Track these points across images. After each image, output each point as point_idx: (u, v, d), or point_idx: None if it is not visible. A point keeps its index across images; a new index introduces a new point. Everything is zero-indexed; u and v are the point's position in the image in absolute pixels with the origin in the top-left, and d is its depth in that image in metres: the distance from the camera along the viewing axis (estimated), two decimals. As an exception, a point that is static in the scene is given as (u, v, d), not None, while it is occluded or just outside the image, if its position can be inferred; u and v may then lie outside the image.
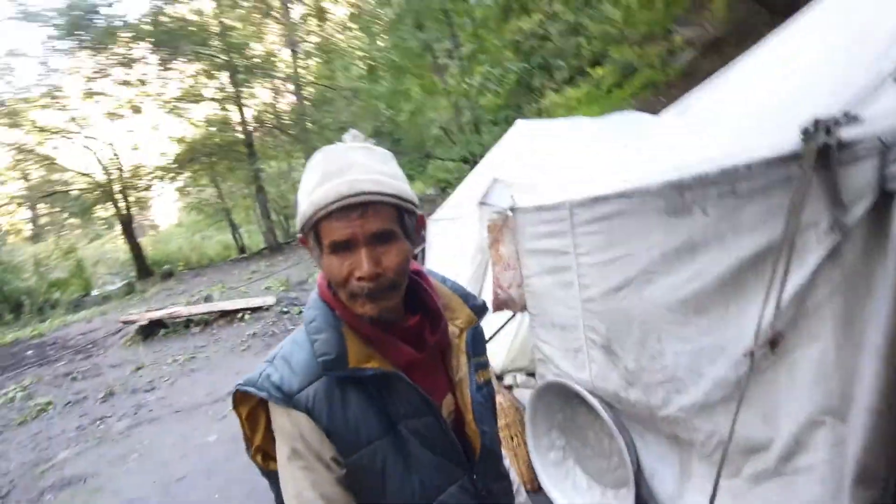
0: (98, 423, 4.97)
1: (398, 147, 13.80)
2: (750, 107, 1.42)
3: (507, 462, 1.06)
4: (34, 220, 22.42)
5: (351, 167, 0.73)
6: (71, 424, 5.05)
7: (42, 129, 16.14)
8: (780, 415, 1.20)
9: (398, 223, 0.75)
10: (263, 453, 0.84)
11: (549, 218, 1.98)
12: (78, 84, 15.59)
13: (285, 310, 7.99)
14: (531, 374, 3.79)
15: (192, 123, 17.04)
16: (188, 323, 8.26)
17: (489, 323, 3.60)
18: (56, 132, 16.22)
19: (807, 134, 0.97)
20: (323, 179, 0.72)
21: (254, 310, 8.25)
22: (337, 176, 0.72)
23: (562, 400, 2.41)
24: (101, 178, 16.82)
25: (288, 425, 0.76)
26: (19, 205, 19.32)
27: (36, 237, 22.21)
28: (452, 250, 4.17)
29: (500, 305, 2.71)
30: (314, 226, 0.74)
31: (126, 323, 8.86)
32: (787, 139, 1.01)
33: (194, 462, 3.71)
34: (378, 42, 14.58)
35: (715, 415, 1.34)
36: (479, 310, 0.95)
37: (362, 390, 0.77)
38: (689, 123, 1.72)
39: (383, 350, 0.79)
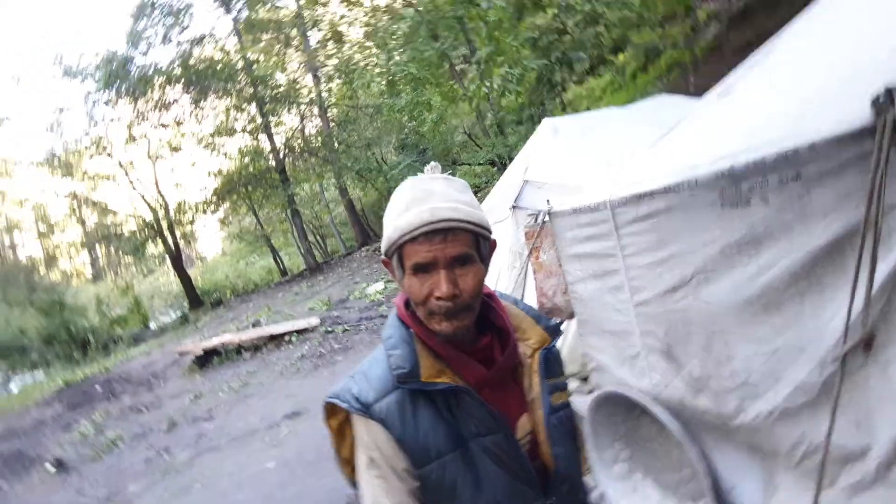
0: (163, 454, 5.16)
1: (425, 157, 13.87)
2: (804, 82, 1.29)
3: (593, 490, 1.03)
4: (93, 262, 23.85)
5: (432, 195, 0.81)
6: (139, 457, 5.26)
7: (93, 177, 17.18)
8: (876, 419, 1.06)
9: (475, 248, 0.83)
10: (351, 466, 0.90)
11: (589, 220, 1.88)
12: (121, 131, 16.50)
13: (330, 329, 8.10)
14: (584, 379, 3.66)
15: (227, 157, 17.71)
16: (239, 349, 8.50)
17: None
18: (105, 178, 17.22)
19: (878, 104, 0.86)
20: (408, 207, 0.81)
21: (300, 332, 8.42)
22: (420, 203, 0.80)
23: (623, 410, 2.29)
24: (149, 217, 17.71)
25: (365, 435, 0.83)
26: (79, 249, 20.61)
27: (96, 278, 23.62)
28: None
29: (546, 314, 2.62)
30: (398, 249, 0.82)
31: (182, 354, 9.22)
32: (854, 113, 0.90)
33: (252, 491, 3.77)
34: (395, 56, 14.76)
35: (800, 422, 1.21)
36: (552, 330, 0.99)
37: (433, 405, 0.83)
38: (735, 105, 1.59)
39: (455, 366, 0.85)
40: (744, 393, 1.49)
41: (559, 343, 2.99)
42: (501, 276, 3.40)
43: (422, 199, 0.81)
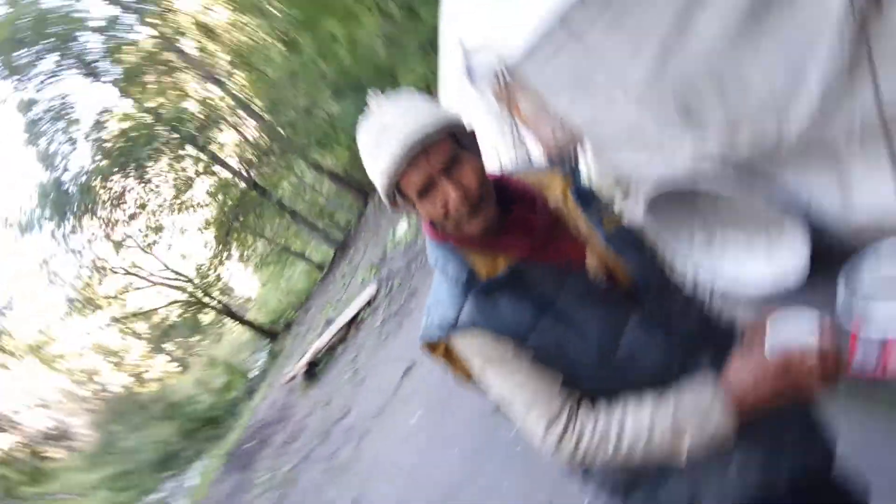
0: (331, 460, 5.73)
1: (363, 90, 13.16)
2: None
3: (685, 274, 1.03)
4: (171, 358, 25.22)
5: (388, 128, 0.80)
6: (316, 474, 5.87)
7: (116, 296, 17.62)
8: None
9: (456, 144, 0.83)
10: (473, 381, 0.97)
11: (550, 47, 1.74)
12: (104, 246, 16.55)
13: (388, 288, 8.35)
14: (626, 195, 3.63)
15: (202, 206, 17.56)
16: (330, 349, 9.01)
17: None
18: (125, 291, 17.62)
19: None
20: (376, 151, 0.82)
21: (367, 305, 8.75)
22: (383, 142, 0.80)
23: (676, 198, 2.27)
24: (182, 297, 18.24)
25: (466, 348, 0.88)
26: (151, 356, 21.79)
27: (183, 368, 25.11)
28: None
29: (558, 158, 2.55)
30: (394, 190, 0.84)
31: (290, 380, 9.91)
32: None
33: (412, 445, 4.17)
34: (274, 12, 13.55)
35: (843, 98, 1.14)
36: (570, 172, 0.98)
37: (505, 291, 0.85)
38: None
39: (504, 251, 0.87)
40: (777, 105, 1.41)
41: (584, 179, 2.91)
42: (501, 153, 3.30)
43: (382, 138, 0.81)
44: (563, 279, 0.87)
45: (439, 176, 0.81)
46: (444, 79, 4.66)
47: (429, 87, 11.58)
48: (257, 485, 7.61)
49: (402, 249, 9.52)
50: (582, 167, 2.93)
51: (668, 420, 0.79)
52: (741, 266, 2.30)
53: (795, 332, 0.76)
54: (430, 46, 10.85)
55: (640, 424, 0.80)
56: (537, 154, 3.65)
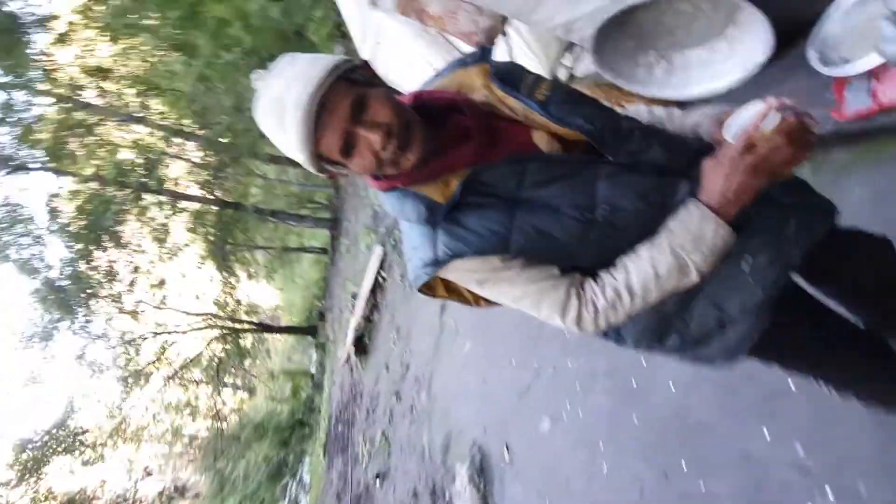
0: (413, 411, 6.05)
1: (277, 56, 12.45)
2: None
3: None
4: (234, 388, 26.28)
5: (283, 101, 0.75)
6: (405, 428, 6.23)
7: (158, 358, 18.06)
8: None
9: (356, 86, 0.79)
10: (483, 300, 0.99)
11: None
12: (120, 320, 16.75)
13: (394, 244, 8.36)
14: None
15: (188, 245, 17.42)
16: (367, 319, 9.24)
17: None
18: (164, 351, 18.03)
19: None
20: (282, 128, 0.77)
21: (381, 266, 8.83)
22: (285, 117, 0.75)
23: (614, 35, 2.13)
24: (214, 333, 18.59)
25: (458, 278, 0.88)
26: (216, 395, 22.72)
27: (250, 392, 26.22)
28: (409, 70, 3.77)
29: (488, 41, 2.38)
30: (317, 160, 0.80)
31: (346, 361, 10.29)
32: None
33: (475, 373, 4.36)
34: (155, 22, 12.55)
35: None
36: (481, 57, 0.92)
37: (468, 209, 0.82)
38: None
39: (451, 170, 0.83)
40: None
41: (516, 55, 2.71)
42: (434, 61, 3.11)
43: (279, 113, 0.76)
44: (520, 169, 0.83)
45: (352, 126, 0.77)
46: (348, 19, 4.32)
47: (340, 30, 10.85)
48: (361, 456, 8.15)
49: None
50: (511, 44, 2.74)
51: (667, 255, 0.79)
52: (708, 72, 2.18)
53: (750, 115, 0.75)
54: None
55: (643, 271, 0.81)
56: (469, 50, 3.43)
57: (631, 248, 0.84)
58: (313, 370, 20.51)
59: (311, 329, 19.42)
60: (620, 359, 2.54)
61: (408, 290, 7.31)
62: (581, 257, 0.86)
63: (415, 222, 0.85)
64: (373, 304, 9.13)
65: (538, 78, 0.91)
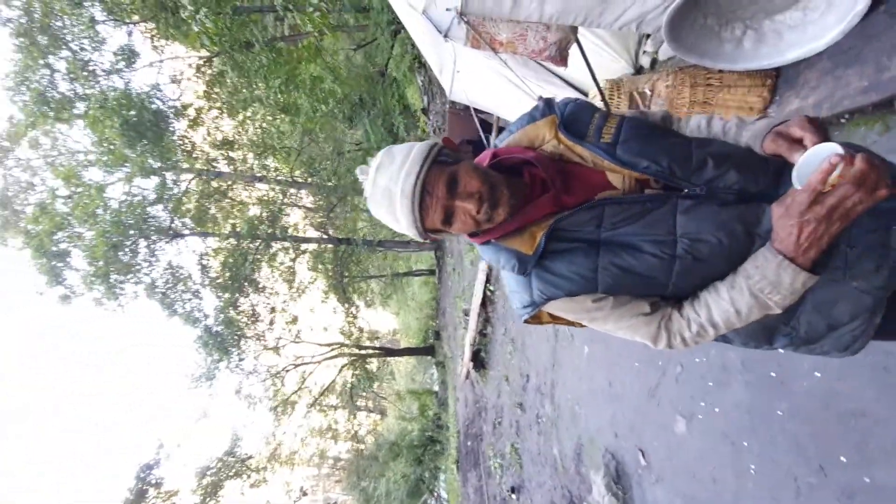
0: (540, 421, 6.04)
1: (367, 108, 13.51)
2: None
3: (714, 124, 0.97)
4: (367, 411, 28.00)
5: (393, 191, 0.87)
6: (534, 437, 6.23)
7: (300, 388, 19.99)
8: None
9: (445, 168, 0.89)
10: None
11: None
12: (264, 356, 18.88)
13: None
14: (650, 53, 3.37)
15: (311, 282, 19.21)
16: (482, 334, 9.41)
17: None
18: (302, 384, 19.92)
19: None
20: (394, 217, 0.89)
21: (487, 280, 8.99)
22: (396, 208, 0.88)
23: (690, 12, 2.08)
24: (343, 361, 20.13)
25: (560, 311, 0.95)
26: (353, 419, 24.38)
27: (382, 413, 27.77)
28: (488, 89, 3.97)
29: (563, 56, 2.45)
30: (427, 233, 0.92)
31: (466, 377, 10.54)
32: None
33: (596, 372, 4.26)
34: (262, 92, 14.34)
35: None
36: (550, 105, 0.99)
37: (555, 256, 0.90)
38: None
39: (534, 222, 0.92)
40: None
41: (594, 57, 2.77)
42: (521, 91, 3.24)
43: (390, 205, 0.88)
44: (598, 213, 0.88)
45: (449, 201, 0.88)
46: (425, 51, 4.63)
47: (418, 62, 11.45)
48: (494, 470, 8.25)
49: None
50: (586, 49, 2.76)
51: (747, 296, 0.82)
52: (804, 32, 2.03)
53: (817, 161, 0.71)
54: (393, 23, 10.74)
55: (724, 310, 0.84)
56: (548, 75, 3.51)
57: (712, 283, 0.86)
58: (436, 388, 21.22)
59: (428, 349, 20.18)
60: (753, 350, 2.38)
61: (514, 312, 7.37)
62: (668, 288, 0.89)
63: (509, 272, 0.95)
64: (485, 318, 9.29)
65: (606, 116, 0.95)
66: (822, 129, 0.76)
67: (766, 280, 0.79)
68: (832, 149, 0.70)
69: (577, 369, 4.80)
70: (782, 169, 0.82)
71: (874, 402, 1.77)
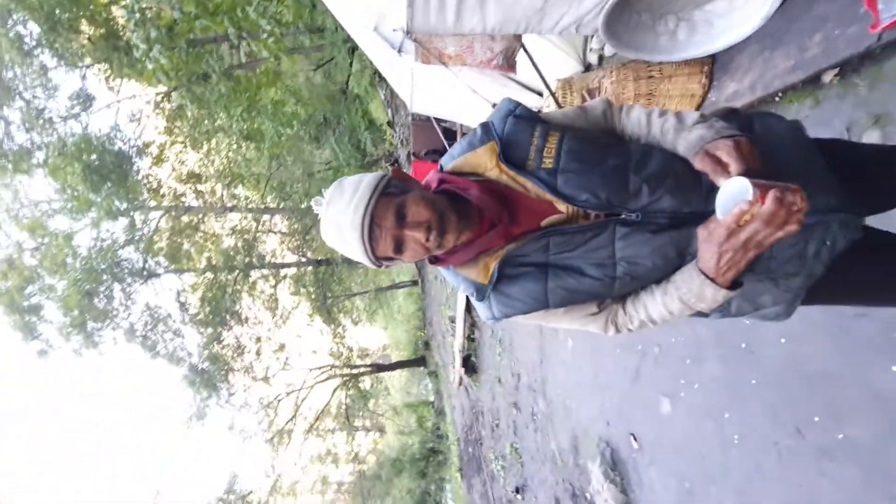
0: (536, 418, 6.09)
1: (331, 125, 13.53)
2: None
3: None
4: (366, 431, 27.70)
5: (343, 225, 0.92)
6: (530, 435, 6.27)
7: (294, 416, 19.66)
8: None
9: (393, 199, 0.93)
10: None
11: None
12: (253, 390, 18.55)
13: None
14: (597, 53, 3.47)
15: (294, 307, 18.98)
16: (469, 339, 9.45)
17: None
18: (294, 418, 19.61)
19: None
20: (346, 247, 0.95)
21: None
22: (347, 239, 0.93)
23: (624, 11, 2.18)
24: (336, 382, 19.90)
25: (520, 320, 1.03)
26: (351, 441, 24.08)
27: (380, 430, 27.49)
28: (445, 98, 4.03)
29: (510, 64, 2.53)
30: (380, 260, 0.97)
31: (459, 384, 10.54)
32: None
33: (582, 364, 4.34)
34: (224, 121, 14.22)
35: None
36: (485, 134, 0.99)
37: (509, 279, 0.96)
38: None
39: (487, 252, 0.98)
40: None
41: (543, 59, 2.85)
42: (479, 96, 3.31)
43: (342, 236, 0.94)
44: (545, 242, 0.94)
45: (398, 231, 0.92)
46: (382, 68, 4.70)
47: (378, 76, 11.53)
48: (497, 473, 8.26)
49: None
50: (533, 53, 2.85)
51: (677, 303, 0.91)
52: (733, 18, 2.14)
53: (737, 194, 0.75)
54: (349, 41, 10.80)
55: (658, 311, 0.94)
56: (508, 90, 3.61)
57: (650, 279, 0.96)
58: (432, 398, 21.13)
59: (419, 360, 20.11)
60: (722, 323, 2.48)
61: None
62: (610, 298, 1.00)
63: (470, 296, 1.03)
64: (471, 323, 9.34)
65: (546, 131, 0.96)
66: (748, 153, 0.80)
67: (692, 293, 0.87)
68: (746, 188, 0.73)
69: (565, 363, 4.88)
70: (713, 186, 0.85)
71: (837, 362, 1.86)
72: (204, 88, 11.44)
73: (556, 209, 0.94)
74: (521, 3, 2.06)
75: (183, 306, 17.01)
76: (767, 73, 2.04)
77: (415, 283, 21.08)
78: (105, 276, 14.39)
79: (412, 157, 8.28)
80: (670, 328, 2.98)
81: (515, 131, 0.97)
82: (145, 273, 15.63)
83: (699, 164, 0.84)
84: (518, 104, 1.00)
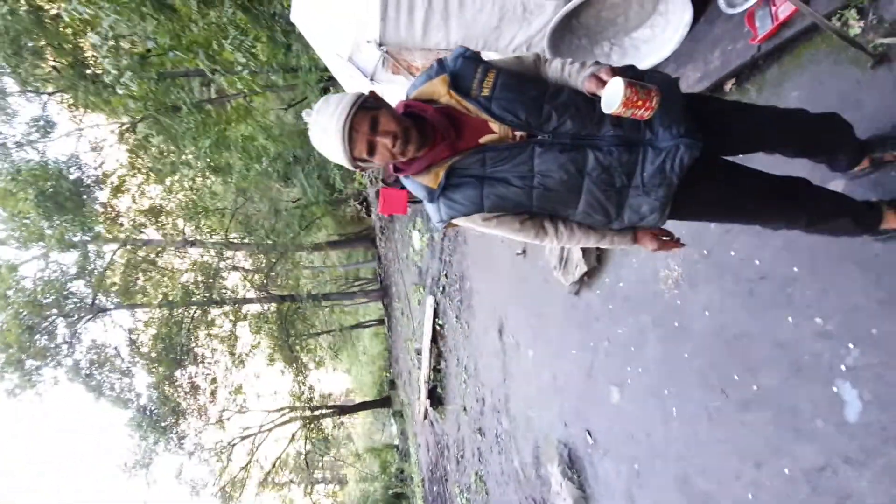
0: (500, 439, 6.15)
1: (302, 155, 13.79)
2: None
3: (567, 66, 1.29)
4: (326, 480, 26.33)
5: (329, 128, 1.14)
6: (496, 459, 6.31)
7: (249, 463, 18.60)
8: None
9: (368, 112, 1.16)
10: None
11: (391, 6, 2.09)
12: (207, 428, 17.56)
13: (442, 289, 8.78)
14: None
15: (255, 347, 18.38)
16: (435, 370, 9.48)
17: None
18: (253, 454, 18.60)
19: None
20: (330, 148, 1.17)
21: (435, 315, 9.18)
22: (331, 141, 1.15)
23: (566, 36, 2.56)
24: (295, 426, 19.10)
25: (463, 224, 1.32)
26: (312, 489, 22.82)
27: (341, 482, 26.17)
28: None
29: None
30: (356, 161, 1.20)
31: (425, 417, 10.43)
32: None
33: (542, 371, 4.55)
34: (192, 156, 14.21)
35: None
36: (440, 68, 1.27)
37: (454, 187, 1.23)
38: None
39: (436, 163, 1.23)
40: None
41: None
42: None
43: (327, 139, 1.16)
44: (481, 157, 1.21)
45: (371, 136, 1.15)
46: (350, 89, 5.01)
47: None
48: (460, 501, 8.13)
49: (429, 252, 9.93)
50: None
51: (595, 240, 1.32)
52: (654, 44, 2.57)
53: (614, 95, 1.06)
54: (322, 81, 11.22)
55: (581, 239, 1.32)
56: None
57: (573, 214, 1.29)
58: (396, 441, 20.49)
59: (384, 400, 19.66)
60: (658, 306, 2.77)
61: (466, 327, 7.60)
62: (532, 208, 1.27)
63: (424, 199, 1.29)
64: (437, 353, 9.40)
65: (487, 69, 1.23)
66: (619, 73, 1.12)
67: (605, 240, 1.33)
68: (620, 83, 1.04)
69: (527, 374, 5.05)
70: (602, 116, 1.19)
71: (747, 322, 2.16)
72: (172, 121, 11.54)
73: (492, 129, 1.22)
74: (480, 21, 2.42)
75: (133, 344, 16.24)
76: (682, 84, 2.45)
77: (381, 321, 20.90)
78: (50, 311, 13.70)
79: (382, 184, 8.58)
80: (615, 320, 3.25)
81: (463, 67, 1.25)
82: (94, 308, 14.95)
83: (588, 84, 1.16)
84: (467, 49, 1.29)
